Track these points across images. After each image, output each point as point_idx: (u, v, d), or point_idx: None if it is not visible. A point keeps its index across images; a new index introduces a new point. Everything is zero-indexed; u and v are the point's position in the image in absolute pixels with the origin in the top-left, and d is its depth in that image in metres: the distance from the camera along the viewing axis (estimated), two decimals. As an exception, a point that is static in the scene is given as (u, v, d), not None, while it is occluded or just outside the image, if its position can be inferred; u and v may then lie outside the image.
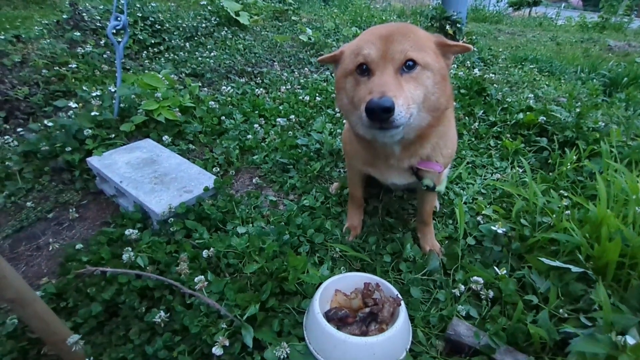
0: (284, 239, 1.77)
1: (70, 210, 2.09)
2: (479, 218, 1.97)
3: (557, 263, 1.50)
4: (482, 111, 3.07)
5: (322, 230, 1.88)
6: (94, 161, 2.21)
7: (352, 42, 1.35)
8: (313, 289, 1.48)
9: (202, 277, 1.47)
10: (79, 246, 1.79)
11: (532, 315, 1.40)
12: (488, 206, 2.06)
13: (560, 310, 1.39)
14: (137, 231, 1.79)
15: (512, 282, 1.51)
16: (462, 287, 1.54)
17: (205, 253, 1.65)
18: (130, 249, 1.66)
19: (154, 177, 2.11)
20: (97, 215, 2.13)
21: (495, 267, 1.61)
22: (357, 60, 1.24)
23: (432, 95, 1.23)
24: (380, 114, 1.08)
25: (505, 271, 1.56)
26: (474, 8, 13.16)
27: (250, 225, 1.93)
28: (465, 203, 2.12)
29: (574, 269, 1.47)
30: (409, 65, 1.19)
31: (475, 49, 5.32)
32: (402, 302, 1.35)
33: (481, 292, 1.50)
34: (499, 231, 1.75)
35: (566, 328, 1.28)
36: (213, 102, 3.09)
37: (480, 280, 1.51)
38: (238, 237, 1.74)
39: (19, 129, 2.79)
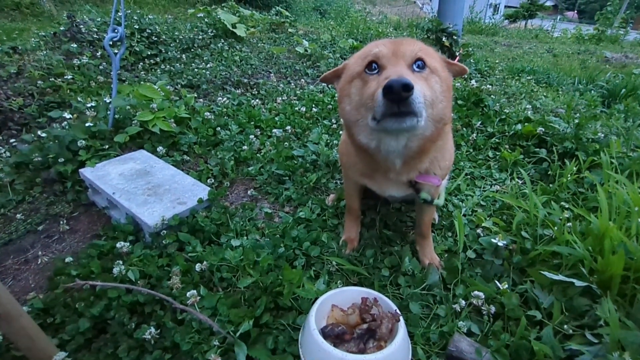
0: (279, 252, 1.73)
1: (61, 222, 2.05)
2: (478, 230, 1.93)
3: (560, 277, 1.46)
4: (479, 122, 3.05)
5: (318, 243, 1.84)
6: (86, 172, 2.17)
7: (356, 53, 1.34)
8: (309, 304, 1.44)
9: (195, 291, 1.43)
10: (68, 259, 1.74)
11: (535, 331, 1.36)
12: (488, 218, 2.03)
13: (565, 326, 1.35)
14: (128, 244, 1.75)
15: (515, 297, 1.47)
16: (463, 302, 1.49)
17: (198, 266, 1.60)
18: (121, 262, 1.61)
19: (147, 188, 2.07)
20: (88, 228, 2.08)
21: (496, 282, 1.56)
22: (365, 61, 1.22)
23: (440, 102, 1.22)
24: (400, 93, 1.02)
25: (506, 285, 1.52)
26: (470, 20, 13.32)
27: (245, 237, 1.89)
28: (464, 215, 2.09)
29: (578, 282, 1.43)
30: (419, 65, 1.19)
31: (472, 60, 5.34)
32: (401, 318, 1.30)
33: (482, 308, 1.46)
34: (500, 244, 1.71)
35: (571, 345, 1.24)
36: (208, 113, 3.07)
37: (482, 294, 1.47)
38: (232, 250, 1.70)
39: (11, 140, 2.76)
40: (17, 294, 1.68)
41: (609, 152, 2.34)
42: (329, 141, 2.79)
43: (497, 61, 6.11)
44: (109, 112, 2.66)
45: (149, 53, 4.57)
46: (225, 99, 3.54)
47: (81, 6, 7.90)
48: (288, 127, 2.97)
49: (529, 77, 5.07)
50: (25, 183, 2.30)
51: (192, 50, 4.96)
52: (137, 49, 4.47)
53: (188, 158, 2.63)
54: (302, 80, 4.35)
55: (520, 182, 2.43)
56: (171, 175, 2.23)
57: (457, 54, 5.11)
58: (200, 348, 1.30)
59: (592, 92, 4.68)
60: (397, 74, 1.08)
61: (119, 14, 2.55)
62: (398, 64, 1.17)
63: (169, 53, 4.70)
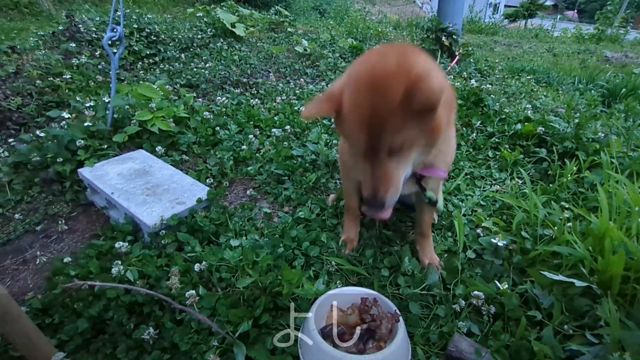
0: (278, 252, 1.72)
1: (60, 222, 2.04)
2: (478, 230, 1.92)
3: (560, 277, 1.45)
4: (479, 122, 3.04)
5: (317, 243, 1.83)
6: (85, 172, 2.17)
7: (346, 98, 1.12)
8: (308, 305, 1.43)
9: (194, 291, 1.42)
10: (67, 259, 1.73)
11: (535, 331, 1.35)
12: (488, 218, 2.02)
13: (565, 327, 1.34)
14: (127, 244, 1.74)
15: (515, 297, 1.46)
16: (463, 302, 1.48)
17: (197, 267, 1.59)
18: (119, 262, 1.59)
19: (146, 188, 2.07)
20: (87, 228, 2.07)
21: (496, 282, 1.56)
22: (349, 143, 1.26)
23: (428, 141, 1.18)
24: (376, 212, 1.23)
25: (506, 285, 1.51)
26: (469, 20, 13.31)
27: (244, 237, 1.88)
28: (464, 215, 2.08)
29: (578, 283, 1.42)
30: (395, 149, 1.13)
31: (471, 59, 5.33)
32: (401, 318, 1.29)
33: (482, 308, 1.45)
34: (500, 244, 1.70)
35: (572, 346, 1.23)
36: (208, 113, 3.06)
37: (482, 295, 1.46)
38: (231, 250, 1.70)
39: (10, 140, 2.74)
40: (16, 294, 1.67)
41: (609, 152, 2.33)
42: (328, 141, 2.78)
43: (496, 61, 6.11)
44: (107, 112, 2.65)
45: (148, 52, 4.57)
46: (224, 98, 3.53)
47: (80, 5, 7.90)
48: (287, 127, 2.96)
49: (528, 77, 5.06)
50: (23, 183, 2.29)
51: (191, 49, 4.96)
52: (136, 49, 4.47)
53: (187, 158, 2.63)
54: (302, 79, 4.35)
55: (520, 182, 2.42)
56: (170, 175, 2.22)
57: (457, 53, 5.11)
58: (199, 348, 1.30)
59: (592, 91, 4.67)
60: (373, 185, 1.18)
61: (118, 13, 2.55)
62: (375, 160, 1.14)
63: (168, 52, 4.69)
